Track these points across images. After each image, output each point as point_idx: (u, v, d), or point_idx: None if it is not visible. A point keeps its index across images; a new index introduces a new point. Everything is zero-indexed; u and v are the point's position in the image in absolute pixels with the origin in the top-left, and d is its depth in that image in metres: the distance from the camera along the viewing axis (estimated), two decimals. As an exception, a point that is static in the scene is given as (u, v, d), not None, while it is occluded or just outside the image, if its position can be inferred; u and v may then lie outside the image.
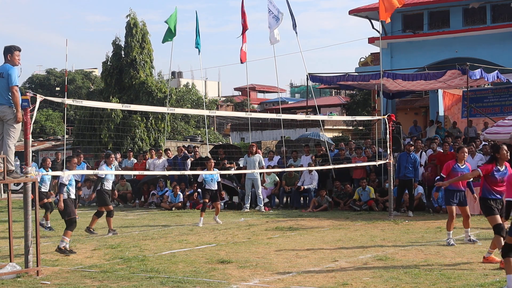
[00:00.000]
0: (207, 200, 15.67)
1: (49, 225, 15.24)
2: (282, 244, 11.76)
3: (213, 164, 15.99)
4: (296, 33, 20.84)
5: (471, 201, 12.56)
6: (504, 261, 7.62)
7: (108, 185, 13.96)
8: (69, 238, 11.38)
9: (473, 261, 9.65)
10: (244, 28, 21.45)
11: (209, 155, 23.19)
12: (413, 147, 17.56)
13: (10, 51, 9.41)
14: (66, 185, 11.53)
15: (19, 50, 9.51)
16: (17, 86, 9.22)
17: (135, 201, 21.87)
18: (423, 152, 18.50)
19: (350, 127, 44.96)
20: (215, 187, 15.61)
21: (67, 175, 11.37)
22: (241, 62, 21.88)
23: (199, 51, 23.16)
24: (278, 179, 20.31)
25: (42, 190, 14.84)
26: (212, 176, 15.46)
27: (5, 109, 9.25)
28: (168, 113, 32.35)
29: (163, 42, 23.01)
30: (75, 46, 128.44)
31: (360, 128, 38.95)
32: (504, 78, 21.36)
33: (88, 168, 19.94)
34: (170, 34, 22.95)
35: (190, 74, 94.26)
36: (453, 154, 18.10)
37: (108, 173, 13.76)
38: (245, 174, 19.14)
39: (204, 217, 15.49)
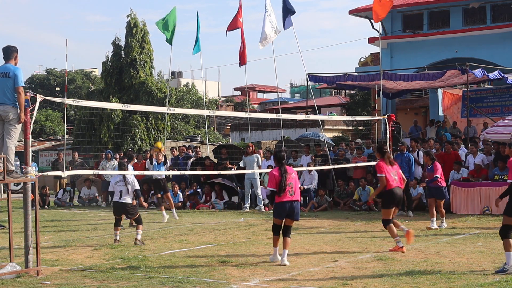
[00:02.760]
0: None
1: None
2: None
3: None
4: (293, 29, 20.71)
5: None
6: (504, 242, 8.76)
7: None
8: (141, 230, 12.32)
9: (473, 261, 9.65)
10: (234, 25, 21.47)
11: (211, 155, 23.21)
12: (405, 147, 17.58)
13: (16, 51, 9.50)
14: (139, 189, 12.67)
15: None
16: (23, 87, 9.27)
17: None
18: (420, 152, 18.49)
19: (350, 127, 44.94)
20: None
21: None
22: (240, 65, 21.94)
23: (196, 52, 23.21)
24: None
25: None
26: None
27: (8, 108, 9.27)
28: (168, 113, 32.36)
29: (170, 42, 23.01)
30: (75, 46, 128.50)
31: (360, 128, 38.94)
32: (505, 76, 21.34)
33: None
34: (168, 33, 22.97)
35: (190, 74, 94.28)
36: (456, 154, 18.16)
37: (108, 173, 13.84)
38: (244, 174, 19.16)
39: (204, 217, 15.47)
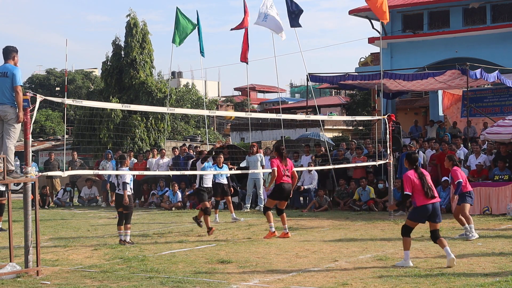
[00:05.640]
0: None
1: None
2: (282, 244, 11.76)
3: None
4: (299, 25, 20.62)
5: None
6: None
7: (208, 183, 14.54)
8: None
9: (473, 261, 9.65)
10: (243, 25, 21.46)
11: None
12: (414, 148, 17.55)
13: (15, 51, 9.52)
14: (129, 183, 12.38)
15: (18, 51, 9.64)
16: (21, 86, 9.29)
17: (135, 201, 21.87)
18: (420, 152, 18.50)
19: (350, 127, 44.94)
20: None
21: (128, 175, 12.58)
22: (242, 61, 21.93)
23: (202, 54, 23.20)
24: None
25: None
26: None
27: (7, 108, 9.28)
28: (168, 113, 32.35)
29: (178, 43, 22.98)
30: (75, 46, 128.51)
31: (360, 128, 38.94)
32: (504, 80, 21.34)
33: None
34: (183, 33, 22.96)
35: (190, 74, 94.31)
36: (452, 154, 18.15)
37: (110, 173, 13.85)
38: (244, 174, 19.12)
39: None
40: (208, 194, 14.44)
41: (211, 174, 14.63)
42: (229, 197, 16.32)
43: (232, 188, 16.38)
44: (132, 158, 22.80)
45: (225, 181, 16.02)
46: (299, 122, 38.25)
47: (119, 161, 13.44)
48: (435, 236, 9.54)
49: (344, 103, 52.20)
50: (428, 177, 9.73)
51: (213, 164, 15.27)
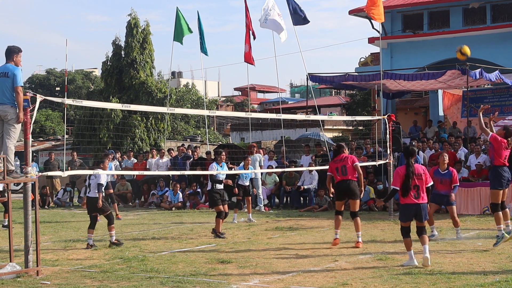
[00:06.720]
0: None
1: (6, 223, 14.84)
2: (282, 244, 11.76)
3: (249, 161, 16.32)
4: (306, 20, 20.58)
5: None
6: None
7: (220, 186, 13.54)
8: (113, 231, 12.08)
9: (473, 261, 9.65)
10: (248, 28, 21.52)
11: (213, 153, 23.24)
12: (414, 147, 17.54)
13: (15, 52, 9.52)
14: (104, 185, 12.12)
15: (21, 51, 9.61)
16: (22, 86, 9.29)
17: (135, 201, 21.88)
18: (420, 152, 18.51)
19: (350, 127, 44.95)
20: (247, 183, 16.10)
21: (104, 175, 12.20)
22: (249, 63, 21.96)
23: (205, 54, 23.25)
24: (278, 179, 20.32)
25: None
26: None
27: (7, 108, 9.28)
28: (168, 113, 32.34)
29: (179, 41, 23.13)
30: (75, 46, 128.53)
31: (360, 128, 38.94)
32: (505, 79, 21.34)
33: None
34: (181, 34, 23.12)
35: (190, 74, 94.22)
36: (453, 154, 18.16)
37: (108, 173, 13.80)
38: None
39: (204, 217, 15.45)
40: (221, 197, 13.35)
41: (223, 176, 13.62)
42: (250, 197, 16.35)
43: (236, 189, 16.17)
44: (132, 158, 22.83)
45: (247, 183, 15.95)
46: (299, 122, 38.24)
47: (100, 161, 12.97)
48: (419, 232, 9.66)
49: (344, 103, 52.20)
50: (418, 176, 9.52)
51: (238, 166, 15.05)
